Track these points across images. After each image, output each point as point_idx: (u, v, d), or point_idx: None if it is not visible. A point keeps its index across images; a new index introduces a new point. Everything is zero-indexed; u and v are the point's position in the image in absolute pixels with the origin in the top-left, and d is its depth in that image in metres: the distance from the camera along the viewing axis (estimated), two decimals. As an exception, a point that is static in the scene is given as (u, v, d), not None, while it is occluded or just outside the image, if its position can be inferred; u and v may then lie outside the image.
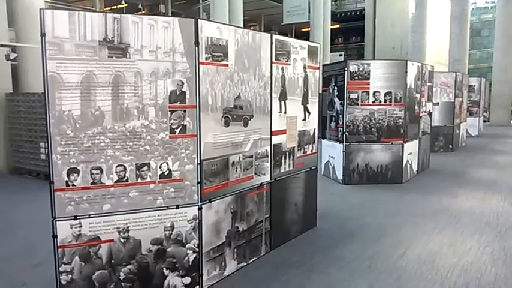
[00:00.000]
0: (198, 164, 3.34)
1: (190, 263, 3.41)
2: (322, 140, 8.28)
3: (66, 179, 2.96)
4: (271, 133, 4.20)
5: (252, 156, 3.95)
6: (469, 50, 34.77)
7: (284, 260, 4.12)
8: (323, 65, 8.38)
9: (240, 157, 3.80)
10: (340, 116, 7.46)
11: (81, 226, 3.03)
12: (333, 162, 7.92)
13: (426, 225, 5.17)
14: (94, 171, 3.03)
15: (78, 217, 3.01)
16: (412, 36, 23.26)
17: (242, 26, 15.73)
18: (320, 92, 5.47)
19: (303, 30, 26.78)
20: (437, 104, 11.40)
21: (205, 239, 3.48)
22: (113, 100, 3.03)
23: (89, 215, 3.04)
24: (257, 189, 4.07)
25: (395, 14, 26.35)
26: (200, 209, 3.40)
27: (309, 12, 21.29)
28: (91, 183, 3.02)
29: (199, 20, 3.27)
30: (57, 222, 2.97)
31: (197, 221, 3.39)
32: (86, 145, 2.98)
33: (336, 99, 7.59)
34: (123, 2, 19.16)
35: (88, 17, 2.93)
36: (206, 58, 3.35)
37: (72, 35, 2.88)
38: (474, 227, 5.06)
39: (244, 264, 3.96)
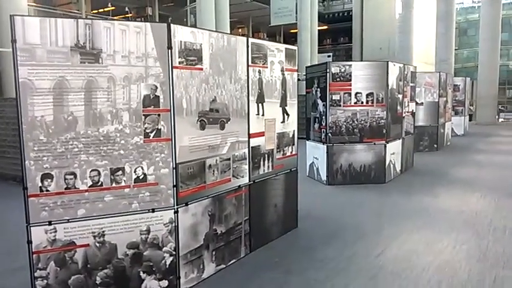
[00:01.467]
0: (173, 167, 3.36)
1: (167, 266, 3.43)
2: (307, 142, 8.36)
3: (40, 184, 2.97)
4: (249, 135, 4.23)
5: (229, 159, 3.99)
6: (456, 49, 35.18)
7: (263, 261, 4.16)
8: (306, 67, 8.45)
9: (217, 160, 3.83)
10: (323, 117, 7.53)
11: (56, 231, 3.04)
12: (317, 164, 7.98)
13: (405, 224, 5.24)
14: (68, 177, 3.04)
15: (52, 222, 3.02)
16: (399, 36, 23.44)
17: (229, 27, 15.78)
18: (300, 94, 5.50)
19: (292, 31, 26.89)
20: (422, 104, 11.53)
21: (182, 242, 3.51)
22: (86, 105, 3.04)
23: (64, 220, 3.05)
24: (235, 191, 4.10)
25: (382, 14, 26.58)
26: (176, 212, 3.42)
27: (297, 13, 21.42)
28: (65, 189, 3.04)
29: (171, 25, 3.30)
30: (31, 227, 2.98)
31: (173, 224, 3.41)
32: (60, 150, 2.99)
33: (319, 101, 7.65)
34: (109, 5, 19.10)
35: (59, 23, 2.94)
36: (180, 62, 3.37)
37: (44, 41, 2.89)
38: (452, 226, 5.14)
39: (224, 266, 3.99)
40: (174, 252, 3.45)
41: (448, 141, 13.26)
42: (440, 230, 5.02)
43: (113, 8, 20.10)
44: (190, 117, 3.51)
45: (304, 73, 8.34)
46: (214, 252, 3.87)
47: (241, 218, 4.22)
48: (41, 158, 2.95)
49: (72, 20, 2.99)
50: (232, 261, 4.10)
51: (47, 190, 2.99)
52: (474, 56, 33.43)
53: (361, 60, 23.85)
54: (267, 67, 4.44)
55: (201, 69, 3.59)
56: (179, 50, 3.37)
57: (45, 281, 3.04)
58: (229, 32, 17.63)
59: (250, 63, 4.18)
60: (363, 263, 4.08)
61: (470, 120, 19.47)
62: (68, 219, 3.06)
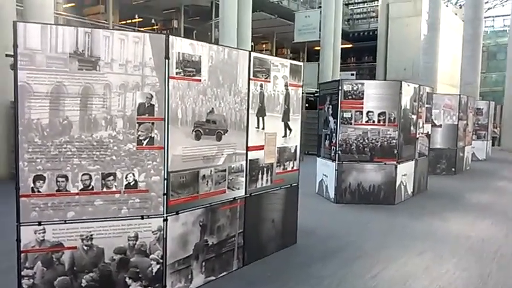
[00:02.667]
0: (164, 176, 3.40)
1: (153, 274, 3.45)
2: (318, 158, 8.31)
3: (32, 185, 3.04)
4: (248, 148, 4.24)
5: (225, 170, 4.00)
6: (484, 73, 34.55)
7: (255, 276, 4.12)
8: (320, 84, 8.44)
9: (211, 171, 3.85)
10: (334, 134, 7.48)
11: (45, 232, 3.10)
12: (326, 181, 7.90)
13: (408, 247, 5.11)
14: (60, 179, 3.11)
15: (42, 223, 3.09)
16: (424, 57, 23.22)
17: (250, 42, 15.95)
18: (304, 109, 5.48)
19: (315, 48, 26.94)
20: (440, 126, 11.32)
21: (170, 250, 3.52)
22: (81, 110, 3.13)
23: (53, 221, 3.11)
24: (230, 203, 4.10)
25: (407, 35, 26.38)
26: (165, 220, 3.45)
27: (320, 31, 21.50)
28: (56, 191, 3.11)
29: (170, 36, 3.37)
30: (21, 227, 3.05)
31: (162, 232, 3.44)
32: (53, 153, 3.07)
33: (331, 118, 7.62)
34: (136, 17, 19.62)
35: (60, 30, 3.05)
36: (177, 73, 3.43)
37: (44, 47, 3.00)
38: (456, 251, 4.98)
39: (213, 278, 3.97)
40: (161, 260, 3.46)
41: (468, 166, 12.92)
42: (443, 254, 4.87)
43: (140, 19, 20.62)
44: (185, 127, 3.55)
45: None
46: (204, 263, 3.87)
47: (235, 230, 4.21)
48: (35, 159, 3.03)
49: (72, 28, 3.09)
50: (223, 274, 4.08)
51: (39, 191, 3.06)
52: (503, 80, 32.70)
53: (385, 80, 23.68)
54: (269, 81, 4.46)
55: (199, 80, 3.64)
56: (177, 61, 3.43)
57: (31, 280, 3.09)
58: (251, 46, 17.84)
59: (251, 77, 4.21)
60: (356, 283, 4.00)
61: (493, 145, 18.96)
62: (57, 221, 3.11)
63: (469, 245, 5.26)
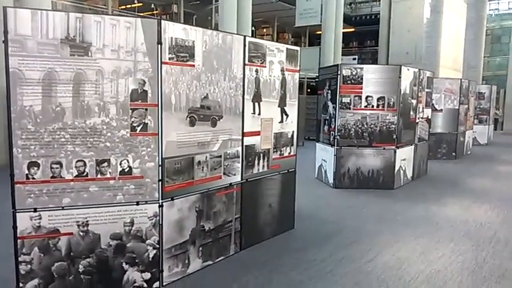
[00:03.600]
0: (159, 162, 3.40)
1: (150, 259, 3.48)
2: (317, 143, 8.31)
3: (26, 172, 3.05)
4: (243, 134, 4.24)
5: (220, 156, 4.00)
6: (488, 56, 34.17)
7: (251, 260, 4.16)
8: (319, 68, 8.39)
9: (207, 157, 3.85)
10: (333, 119, 7.45)
11: (40, 218, 3.12)
12: (325, 166, 7.91)
13: (405, 231, 5.14)
14: (54, 166, 3.12)
15: (37, 209, 3.11)
16: (426, 41, 22.95)
17: (251, 26, 15.81)
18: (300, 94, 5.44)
19: (317, 32, 26.66)
20: (441, 110, 11.27)
21: (166, 236, 3.54)
22: (74, 97, 3.11)
23: (49, 207, 3.13)
24: (226, 189, 4.11)
25: (410, 19, 26.06)
26: (161, 206, 3.46)
27: (322, 15, 21.25)
28: (51, 177, 3.11)
29: (162, 21, 3.34)
30: (17, 213, 3.07)
31: (157, 218, 3.46)
32: (47, 140, 3.07)
33: (330, 103, 7.59)
34: (136, 2, 19.44)
35: (51, 15, 3.02)
36: (170, 58, 3.41)
37: (35, 33, 2.97)
38: (452, 236, 5.00)
39: (210, 263, 4.01)
40: (157, 246, 3.49)
41: (469, 150, 12.90)
42: (440, 239, 4.89)
43: (140, 4, 20.44)
44: (179, 113, 3.54)
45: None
46: (201, 248, 3.90)
47: (232, 215, 4.23)
48: (28, 146, 3.04)
49: (63, 13, 3.06)
50: (220, 258, 4.11)
51: (33, 178, 3.07)
52: (507, 63, 32.39)
53: (387, 64, 23.48)
54: (265, 66, 4.43)
55: (193, 65, 3.62)
56: (169, 46, 3.40)
57: (28, 266, 3.12)
58: (251, 31, 17.69)
59: (247, 62, 4.18)
60: (351, 267, 4.03)
61: (495, 129, 18.87)
62: (53, 207, 3.13)
63: (465, 229, 5.28)
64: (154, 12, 20.24)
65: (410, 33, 26.00)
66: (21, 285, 3.11)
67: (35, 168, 3.07)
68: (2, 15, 2.91)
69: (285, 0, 23.06)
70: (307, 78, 22.52)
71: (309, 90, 22.64)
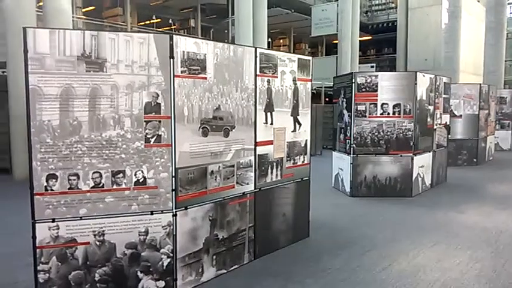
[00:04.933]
0: (172, 172, 3.49)
1: (164, 268, 3.55)
2: (333, 152, 8.31)
3: (45, 184, 3.18)
4: (256, 144, 4.30)
5: (233, 166, 4.07)
6: (510, 60, 33.48)
7: (265, 269, 4.19)
8: (334, 77, 8.42)
9: (219, 166, 3.92)
10: (349, 127, 7.45)
11: (58, 228, 3.24)
12: (342, 175, 7.89)
13: (422, 239, 5.08)
14: (71, 177, 3.24)
15: (56, 220, 3.22)
16: (445, 47, 22.71)
17: (266, 38, 15.96)
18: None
19: (334, 42, 26.70)
20: (461, 116, 11.11)
21: (180, 244, 3.61)
22: (90, 111, 3.24)
23: (66, 218, 3.24)
24: (239, 198, 4.17)
25: (428, 25, 25.86)
26: (175, 215, 3.54)
27: (338, 24, 21.30)
28: (68, 189, 3.23)
29: (174, 36, 3.45)
30: (36, 224, 3.19)
31: (171, 227, 3.53)
32: (64, 153, 3.20)
33: (345, 111, 7.60)
34: (154, 18, 19.88)
35: (68, 34, 3.17)
36: (182, 71, 3.51)
37: (53, 51, 3.12)
38: (470, 243, 4.92)
39: (224, 271, 4.06)
40: (171, 254, 3.56)
41: (491, 156, 12.64)
42: (457, 246, 4.82)
43: (158, 20, 20.89)
44: (192, 124, 3.63)
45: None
46: (214, 257, 3.95)
47: (246, 224, 4.28)
48: (47, 159, 3.16)
49: (79, 32, 3.21)
50: (234, 267, 4.16)
51: (52, 189, 3.19)
52: (530, 67, 31.76)
53: (406, 71, 23.28)
54: (277, 77, 4.49)
55: (205, 78, 3.71)
56: (181, 60, 3.51)
57: (47, 275, 3.23)
58: (268, 42, 17.84)
59: (258, 73, 4.26)
60: (365, 276, 4.01)
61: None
62: (70, 218, 3.24)
63: (485, 236, 5.19)
64: (172, 27, 20.63)
65: (428, 39, 25.77)
66: (40, 293, 3.21)
67: (54, 180, 3.20)
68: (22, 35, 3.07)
69: (300, 11, 23.21)
70: (325, 87, 22.52)
71: (327, 99, 22.63)
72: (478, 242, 4.98)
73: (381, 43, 30.61)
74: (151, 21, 20.47)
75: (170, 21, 20.36)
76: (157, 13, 20.30)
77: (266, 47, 16.33)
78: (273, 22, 21.28)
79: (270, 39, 25.81)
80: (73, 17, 12.96)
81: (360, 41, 23.61)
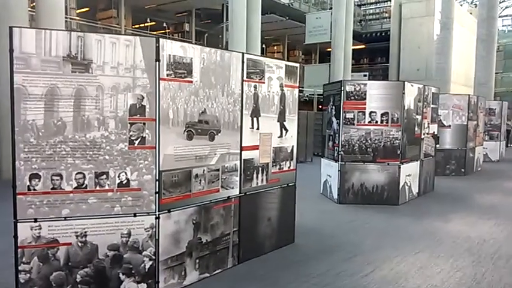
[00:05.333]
0: (156, 174, 3.50)
1: (146, 270, 3.55)
2: (322, 159, 8.36)
3: (28, 183, 3.17)
4: (242, 148, 4.33)
5: (218, 170, 4.09)
6: (502, 72, 33.90)
7: (249, 273, 4.20)
8: (324, 85, 8.49)
9: (204, 170, 3.94)
10: (337, 135, 7.51)
11: (40, 228, 3.23)
12: (330, 181, 7.93)
13: (406, 247, 5.12)
14: (54, 178, 3.24)
15: (38, 220, 3.22)
16: (437, 58, 23.04)
17: (260, 45, 16.05)
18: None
19: (328, 49, 26.90)
20: (449, 126, 11.23)
21: (162, 247, 3.62)
22: (75, 112, 3.25)
23: (49, 218, 3.24)
24: (224, 202, 4.19)
25: (420, 35, 26.19)
26: (157, 218, 3.55)
27: (331, 32, 21.47)
28: (51, 189, 3.23)
29: (160, 39, 3.48)
30: (18, 223, 3.18)
31: (154, 229, 3.54)
32: (48, 153, 3.20)
33: (334, 119, 7.65)
34: (149, 21, 19.90)
35: (54, 34, 3.18)
36: (168, 74, 3.54)
37: (39, 51, 3.13)
38: (453, 252, 4.97)
39: (208, 275, 4.06)
40: (153, 257, 3.56)
41: (479, 167, 12.77)
42: (440, 254, 4.87)
43: (153, 23, 20.92)
44: (176, 128, 3.65)
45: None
46: (197, 261, 3.96)
47: (230, 228, 4.29)
48: (30, 159, 3.17)
49: (65, 32, 3.23)
50: (217, 271, 4.16)
51: (34, 189, 3.19)
52: (521, 80, 32.20)
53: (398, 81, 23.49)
54: (263, 82, 4.53)
55: (191, 82, 3.74)
56: (168, 63, 3.54)
57: (28, 275, 3.22)
58: (262, 49, 17.94)
59: (245, 78, 4.30)
60: (347, 281, 4.04)
61: (507, 145, 18.61)
62: (53, 218, 3.24)
63: (468, 245, 5.24)
64: (167, 31, 20.68)
65: (420, 50, 26.10)
66: (20, 293, 3.20)
67: (36, 180, 3.20)
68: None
69: (295, 19, 23.38)
70: (318, 94, 22.65)
71: (320, 106, 22.75)
72: (461, 250, 5.03)
73: (374, 52, 30.91)
74: (146, 24, 20.50)
75: (164, 25, 20.41)
76: (152, 16, 20.34)
77: (259, 53, 16.42)
78: (267, 29, 21.42)
79: (264, 46, 25.93)
80: (67, 18, 12.96)
81: (353, 49, 23.86)
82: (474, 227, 6.13)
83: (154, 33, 19.73)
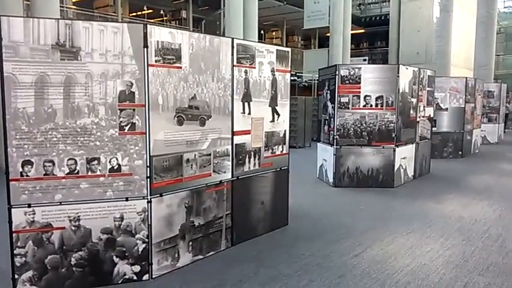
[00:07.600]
0: (147, 159, 3.57)
1: (139, 253, 3.64)
2: (318, 143, 8.41)
3: (20, 170, 3.25)
4: (233, 133, 4.38)
5: (209, 155, 4.15)
6: (502, 55, 33.64)
7: (241, 255, 4.29)
8: (319, 69, 8.50)
9: (195, 155, 4.01)
10: (332, 119, 7.55)
11: (34, 213, 3.32)
12: (325, 165, 8.00)
13: (397, 228, 5.20)
14: (46, 164, 3.31)
15: (31, 205, 3.30)
16: (437, 41, 22.81)
17: (257, 30, 15.97)
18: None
19: (327, 34, 26.72)
20: (446, 109, 11.24)
21: (155, 230, 3.70)
22: (65, 99, 3.31)
23: (42, 203, 3.32)
24: (216, 186, 4.26)
25: (420, 18, 25.94)
26: (149, 202, 3.63)
27: (330, 16, 21.30)
28: (44, 175, 3.31)
29: (148, 25, 3.51)
30: (12, 209, 3.27)
31: (146, 213, 3.62)
32: (39, 139, 3.27)
33: (329, 103, 7.68)
34: (146, 8, 19.80)
35: (42, 22, 3.22)
36: (156, 61, 3.58)
37: (27, 39, 3.17)
38: (444, 231, 5.05)
39: (201, 257, 4.15)
40: (146, 240, 3.65)
41: (477, 149, 12.81)
42: (431, 235, 4.95)
43: (150, 11, 20.81)
44: (166, 113, 3.71)
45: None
46: (191, 243, 4.05)
47: (223, 212, 4.37)
48: (22, 145, 3.23)
49: (53, 20, 3.26)
50: (211, 253, 4.26)
51: (27, 175, 3.26)
52: (521, 62, 31.98)
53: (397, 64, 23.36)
54: (254, 67, 4.57)
55: (180, 67, 3.78)
56: (156, 49, 3.57)
57: (23, 259, 3.32)
58: (260, 35, 17.85)
59: (235, 63, 4.33)
60: (337, 261, 4.13)
61: (506, 127, 18.61)
62: (46, 203, 3.32)
63: (459, 225, 5.32)
64: (164, 18, 20.56)
65: (420, 33, 25.87)
66: (16, 276, 3.30)
67: (29, 166, 3.27)
68: (-4, 23, 3.11)
69: (293, 3, 23.17)
70: (317, 80, 22.57)
71: (319, 92, 22.71)
72: (452, 230, 5.11)
73: (374, 36, 30.66)
74: (143, 12, 20.39)
75: (162, 12, 20.30)
76: (149, 4, 20.23)
77: (257, 39, 16.35)
78: (265, 14, 21.28)
79: (262, 32, 25.79)
80: (62, 6, 12.92)
81: (352, 34, 23.65)
82: (467, 208, 6.20)
83: (152, 21, 19.66)
